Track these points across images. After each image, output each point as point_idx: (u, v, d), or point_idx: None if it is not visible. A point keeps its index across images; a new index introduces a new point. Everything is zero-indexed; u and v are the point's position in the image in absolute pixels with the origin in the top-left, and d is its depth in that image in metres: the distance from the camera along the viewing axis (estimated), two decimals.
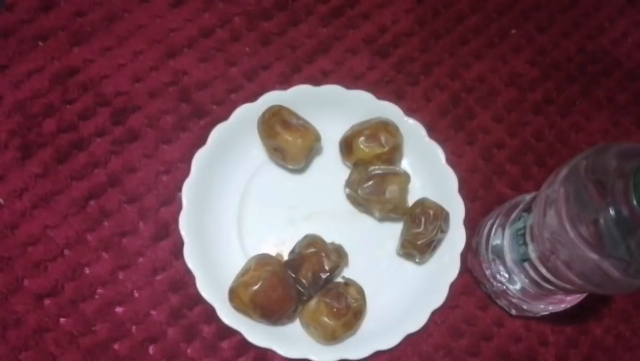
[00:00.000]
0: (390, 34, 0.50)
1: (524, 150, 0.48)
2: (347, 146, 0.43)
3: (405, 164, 0.45)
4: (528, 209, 0.37)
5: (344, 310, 0.39)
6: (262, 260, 0.40)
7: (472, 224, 0.44)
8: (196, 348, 0.41)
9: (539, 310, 0.41)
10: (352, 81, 0.47)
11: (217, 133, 0.43)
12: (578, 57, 0.52)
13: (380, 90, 0.47)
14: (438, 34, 0.50)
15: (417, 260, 0.42)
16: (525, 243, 0.36)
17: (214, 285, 0.40)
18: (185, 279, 0.41)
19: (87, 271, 0.41)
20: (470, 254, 0.43)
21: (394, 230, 0.43)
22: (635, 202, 0.27)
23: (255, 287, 0.38)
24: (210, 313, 0.40)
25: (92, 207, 0.42)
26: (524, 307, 0.41)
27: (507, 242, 0.39)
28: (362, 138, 0.42)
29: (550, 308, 0.40)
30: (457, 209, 0.43)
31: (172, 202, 0.43)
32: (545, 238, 0.33)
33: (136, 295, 0.41)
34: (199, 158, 0.42)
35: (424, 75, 0.49)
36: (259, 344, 0.39)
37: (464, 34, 0.51)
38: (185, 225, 0.41)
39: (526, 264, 0.37)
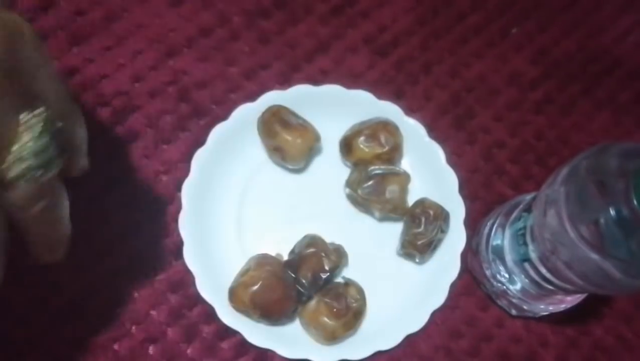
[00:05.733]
0: (390, 33, 0.49)
1: (525, 150, 0.48)
2: (347, 146, 0.43)
3: (405, 164, 0.45)
4: (528, 209, 0.37)
5: (344, 310, 0.39)
6: (262, 260, 0.39)
7: (472, 224, 0.44)
8: (196, 349, 0.41)
9: (539, 310, 0.41)
10: (351, 80, 0.47)
11: (217, 133, 0.43)
12: (579, 56, 0.51)
13: (380, 89, 0.46)
14: (438, 33, 0.50)
15: (417, 260, 0.42)
16: (525, 244, 0.36)
17: (213, 285, 0.40)
18: (185, 279, 0.41)
19: None
20: (470, 254, 0.43)
21: (394, 230, 0.43)
22: (635, 202, 0.27)
23: (255, 287, 0.38)
24: (210, 313, 0.40)
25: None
26: (524, 307, 0.41)
27: (508, 242, 0.39)
28: (362, 138, 0.42)
29: (551, 308, 0.40)
30: (457, 209, 0.43)
31: (172, 202, 0.43)
32: (545, 238, 0.33)
33: (136, 295, 0.41)
34: (199, 158, 0.42)
35: (424, 74, 0.49)
36: (259, 344, 0.39)
37: (464, 33, 0.50)
38: (185, 225, 0.41)
39: (526, 264, 0.37)
